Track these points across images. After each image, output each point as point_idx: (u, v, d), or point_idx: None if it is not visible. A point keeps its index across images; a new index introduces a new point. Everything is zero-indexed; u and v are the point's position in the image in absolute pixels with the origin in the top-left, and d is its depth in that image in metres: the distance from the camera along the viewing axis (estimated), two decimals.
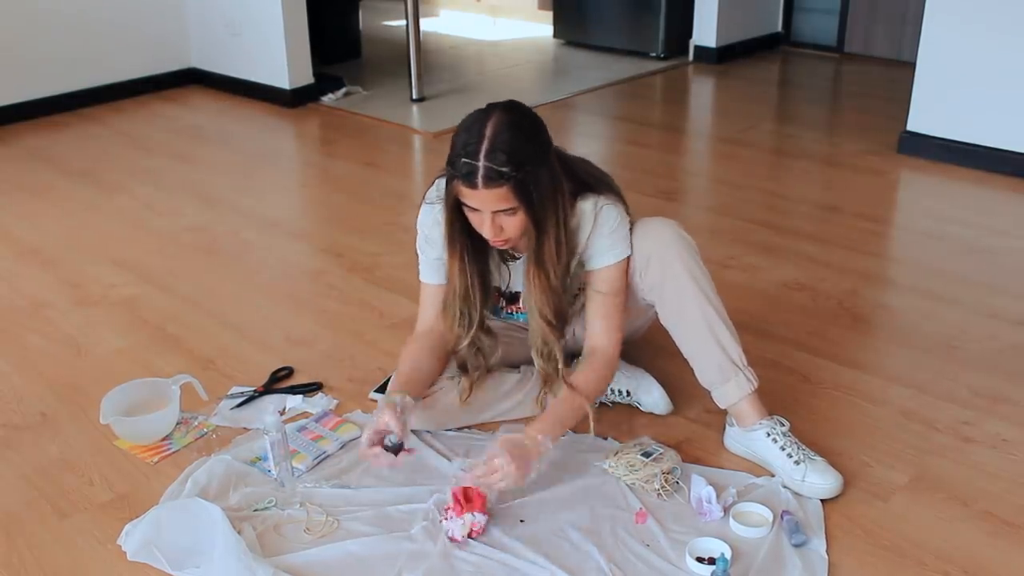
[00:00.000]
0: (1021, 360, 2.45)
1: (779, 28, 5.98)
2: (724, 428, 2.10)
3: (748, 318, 2.56)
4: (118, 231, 3.44)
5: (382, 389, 2.30)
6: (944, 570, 1.76)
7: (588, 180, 1.99)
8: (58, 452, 2.16)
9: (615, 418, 2.21)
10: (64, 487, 2.03)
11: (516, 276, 2.08)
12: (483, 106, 1.86)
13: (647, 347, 2.35)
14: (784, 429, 2.00)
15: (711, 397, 2.06)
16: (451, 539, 1.80)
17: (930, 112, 3.89)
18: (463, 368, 2.11)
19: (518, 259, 2.06)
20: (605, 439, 2.13)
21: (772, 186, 3.78)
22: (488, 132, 1.77)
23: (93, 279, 3.04)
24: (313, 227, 3.59)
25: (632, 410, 2.24)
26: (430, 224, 2.03)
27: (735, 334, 2.02)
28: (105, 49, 4.97)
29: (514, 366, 2.23)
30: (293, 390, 2.35)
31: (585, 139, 4.39)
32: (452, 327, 2.04)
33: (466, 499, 1.81)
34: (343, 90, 5.04)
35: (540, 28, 6.62)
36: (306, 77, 4.94)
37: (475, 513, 1.80)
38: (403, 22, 4.99)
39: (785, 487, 1.94)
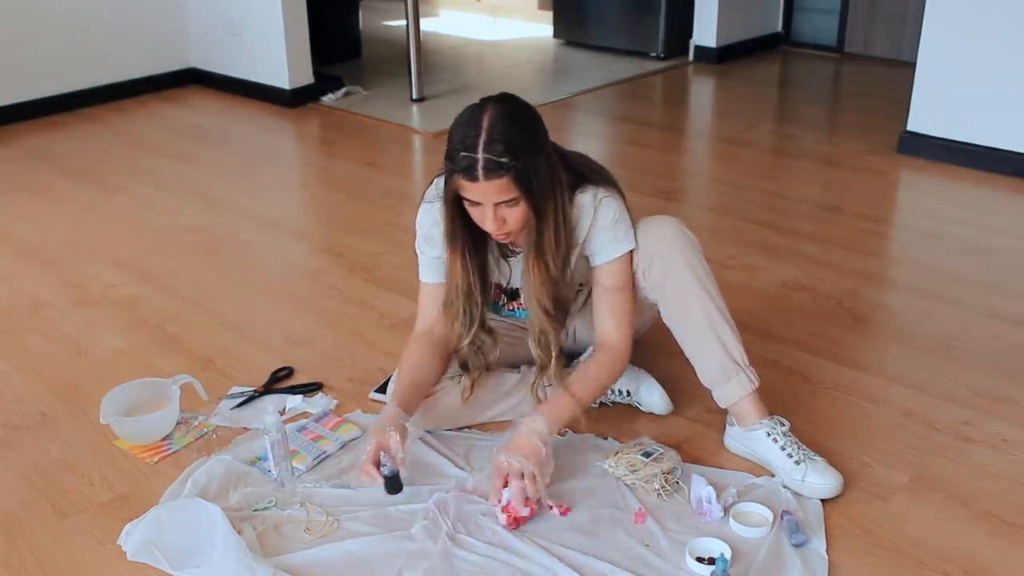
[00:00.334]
0: (1021, 360, 2.45)
1: (779, 28, 5.98)
2: (724, 428, 2.10)
3: (748, 318, 2.56)
4: (118, 231, 3.44)
5: (382, 389, 2.30)
6: (944, 570, 1.76)
7: (586, 172, 1.99)
8: (58, 452, 2.16)
9: (615, 418, 2.21)
10: (64, 487, 2.03)
11: (516, 271, 2.08)
12: (474, 103, 1.86)
13: (647, 347, 2.35)
14: (784, 429, 2.00)
15: (712, 396, 2.06)
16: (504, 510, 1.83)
17: (930, 112, 3.89)
18: (464, 367, 2.11)
19: (518, 254, 2.05)
20: (605, 439, 2.13)
21: (772, 186, 3.78)
22: (485, 124, 1.77)
23: (93, 279, 3.04)
24: (313, 227, 3.59)
25: (632, 410, 2.24)
26: (429, 223, 2.02)
27: (737, 333, 2.02)
28: (105, 49, 4.97)
29: (514, 366, 2.23)
30: (293, 390, 2.35)
31: (585, 139, 4.39)
32: (454, 325, 2.04)
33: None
34: (343, 90, 5.04)
35: (540, 28, 6.62)
36: (306, 77, 4.94)
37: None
38: (403, 22, 4.99)
39: (785, 487, 1.94)
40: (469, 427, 2.15)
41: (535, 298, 1.97)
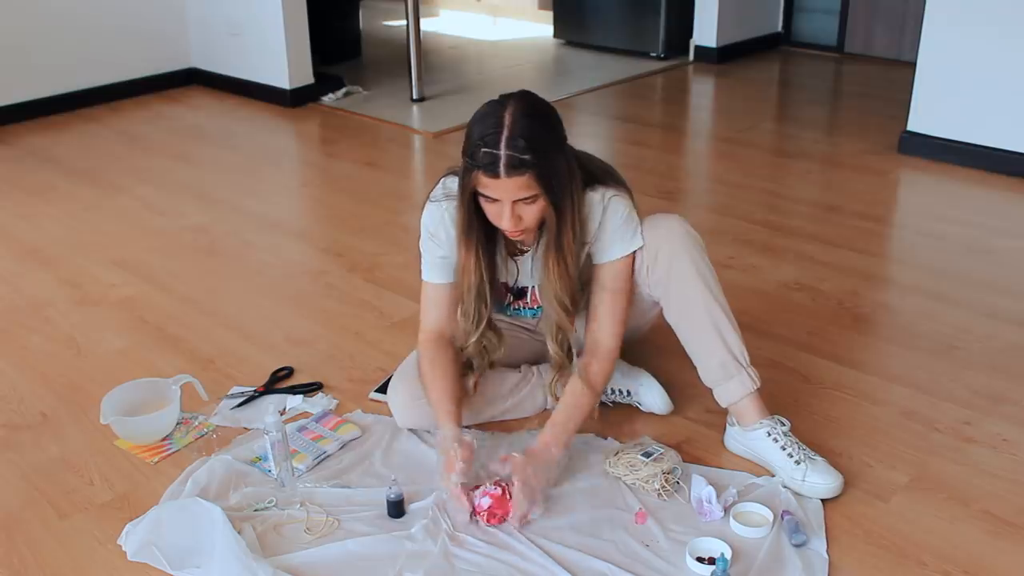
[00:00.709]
0: (1021, 360, 2.45)
1: (779, 28, 5.99)
2: (724, 428, 2.10)
3: (748, 318, 2.55)
4: (118, 231, 3.44)
5: (382, 389, 2.30)
6: (944, 570, 1.76)
7: (596, 172, 1.99)
8: (58, 452, 2.16)
9: (615, 418, 2.21)
10: (64, 487, 2.03)
11: (524, 271, 2.08)
12: (493, 100, 1.85)
13: (647, 347, 2.35)
14: (785, 429, 2.00)
15: (713, 395, 2.06)
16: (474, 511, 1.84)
17: (930, 112, 3.89)
18: (469, 365, 2.11)
19: (525, 253, 2.05)
20: (605, 439, 2.13)
21: (772, 186, 3.78)
22: (507, 120, 1.77)
23: (93, 279, 3.04)
24: (313, 227, 3.59)
25: (632, 410, 2.24)
26: (436, 222, 2.02)
27: (739, 333, 2.02)
28: (105, 49, 4.97)
29: (514, 366, 2.22)
30: (293, 390, 2.35)
31: (585, 139, 4.39)
32: (462, 323, 2.04)
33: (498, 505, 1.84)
34: (343, 90, 5.04)
35: (540, 28, 6.62)
36: (306, 77, 4.94)
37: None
38: (403, 22, 4.99)
39: (785, 487, 1.94)
40: (469, 427, 2.15)
41: (554, 296, 1.96)
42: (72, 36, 4.84)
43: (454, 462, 1.86)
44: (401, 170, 4.24)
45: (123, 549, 1.82)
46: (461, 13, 7.42)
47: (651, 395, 2.21)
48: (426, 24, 6.00)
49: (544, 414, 2.15)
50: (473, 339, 2.03)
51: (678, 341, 2.07)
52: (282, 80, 4.89)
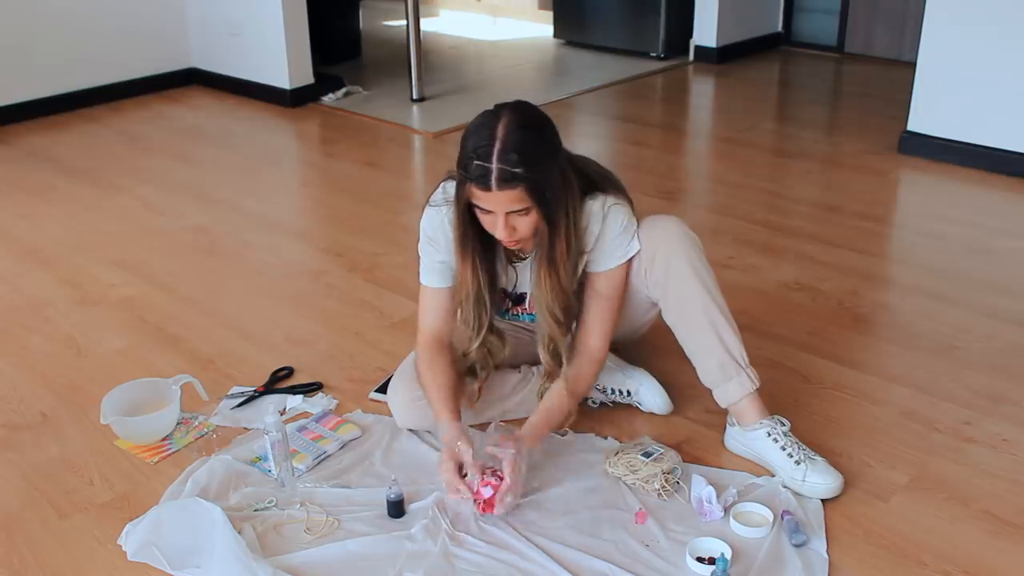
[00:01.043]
0: (1021, 360, 2.45)
1: (779, 28, 5.98)
2: (724, 428, 2.10)
3: (748, 318, 2.56)
4: (118, 231, 3.44)
5: (382, 389, 2.30)
6: (944, 570, 1.76)
7: (595, 179, 1.99)
8: (58, 452, 2.16)
9: (615, 418, 2.21)
10: (64, 487, 2.03)
11: (523, 277, 2.08)
12: (490, 107, 1.85)
13: (647, 347, 2.35)
14: (785, 429, 2.00)
15: (712, 396, 2.06)
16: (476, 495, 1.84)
17: (930, 112, 3.89)
18: (472, 372, 2.11)
19: (525, 259, 2.05)
20: (605, 439, 2.13)
21: (772, 186, 3.78)
22: (499, 133, 1.76)
23: (93, 279, 3.04)
24: (313, 227, 3.59)
25: (632, 410, 2.24)
26: (435, 227, 2.02)
27: (738, 333, 2.02)
28: (105, 49, 4.97)
29: (515, 366, 2.23)
30: (293, 390, 2.35)
31: (585, 139, 4.39)
32: (463, 331, 2.04)
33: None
34: (343, 90, 5.04)
35: (540, 28, 6.62)
36: (306, 77, 4.94)
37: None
38: (403, 22, 4.99)
39: (785, 487, 1.94)
40: (470, 427, 2.15)
41: (546, 307, 1.97)
42: (72, 36, 4.84)
43: (459, 457, 1.86)
44: (401, 170, 4.24)
45: (123, 549, 1.82)
46: (461, 13, 7.42)
47: (651, 395, 2.21)
48: (426, 24, 6.00)
49: None
50: (475, 345, 2.04)
51: (677, 341, 2.07)
52: (282, 80, 4.89)
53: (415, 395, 2.08)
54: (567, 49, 6.11)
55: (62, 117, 4.78)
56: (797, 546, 1.79)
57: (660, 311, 2.08)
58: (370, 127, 4.63)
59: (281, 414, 2.26)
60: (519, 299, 2.12)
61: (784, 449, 1.96)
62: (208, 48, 5.26)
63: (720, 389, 2.04)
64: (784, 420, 2.02)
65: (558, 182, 1.84)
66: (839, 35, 5.76)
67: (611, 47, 5.89)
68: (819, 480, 1.92)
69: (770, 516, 1.84)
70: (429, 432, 2.14)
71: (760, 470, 2.01)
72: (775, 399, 2.15)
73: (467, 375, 2.12)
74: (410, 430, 2.15)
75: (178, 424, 2.22)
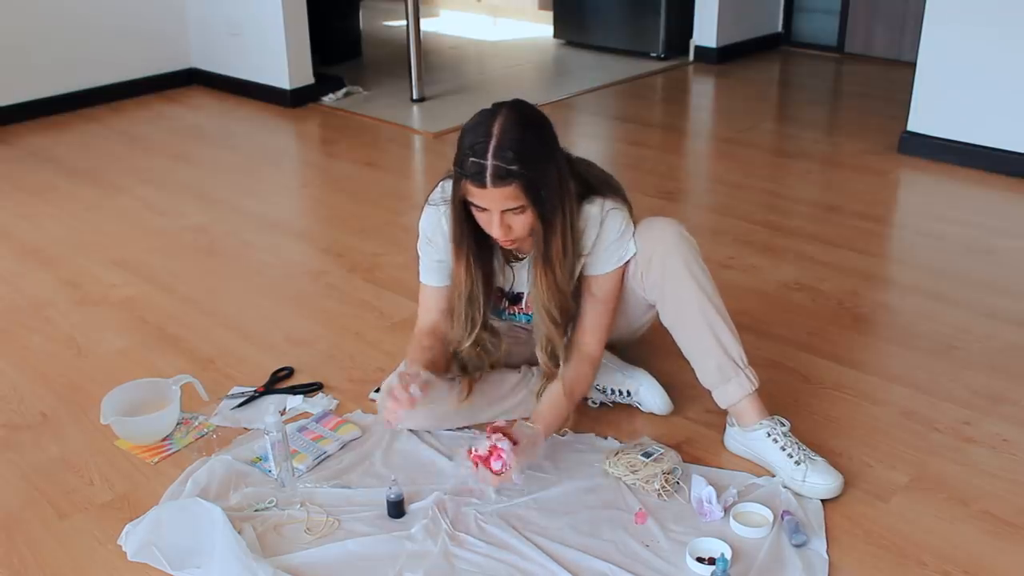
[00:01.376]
0: (1021, 360, 2.45)
1: (779, 28, 5.99)
2: (724, 428, 2.10)
3: (748, 318, 2.56)
4: (118, 231, 3.44)
5: None
6: (944, 570, 1.76)
7: (594, 182, 1.99)
8: (58, 452, 2.16)
9: (615, 418, 2.21)
10: (64, 487, 2.04)
11: (520, 277, 2.08)
12: (487, 106, 1.85)
13: (647, 347, 2.35)
14: (784, 429, 2.00)
15: (712, 397, 2.06)
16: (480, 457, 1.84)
17: (930, 112, 3.89)
18: (463, 369, 2.11)
19: (522, 259, 2.06)
20: (605, 439, 2.13)
21: (772, 186, 3.78)
22: (496, 130, 1.77)
23: (93, 279, 3.04)
24: (313, 227, 3.59)
25: (632, 410, 2.24)
26: (433, 227, 2.02)
27: (736, 334, 2.02)
28: (105, 49, 4.97)
29: (514, 366, 2.23)
30: (293, 390, 2.35)
31: (585, 139, 4.39)
32: (455, 328, 2.04)
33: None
34: (343, 90, 5.04)
35: (540, 28, 6.62)
36: (306, 77, 4.94)
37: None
38: (403, 22, 4.99)
39: (785, 487, 1.94)
40: (469, 427, 2.15)
41: (543, 307, 1.97)
42: (72, 36, 4.84)
43: (416, 375, 1.88)
44: (401, 170, 4.24)
45: (123, 549, 1.82)
46: (461, 13, 7.42)
47: (651, 395, 2.21)
48: (426, 24, 6.00)
49: None
50: (467, 344, 2.04)
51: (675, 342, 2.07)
52: (282, 80, 4.89)
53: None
54: (567, 49, 6.11)
55: (62, 117, 4.79)
56: (797, 546, 1.79)
57: (657, 313, 2.08)
58: (370, 127, 4.63)
59: (281, 414, 2.26)
60: (516, 299, 2.12)
61: (784, 449, 1.96)
62: (208, 48, 5.26)
63: (719, 390, 2.04)
64: (784, 420, 2.02)
65: (554, 181, 1.84)
66: (839, 35, 5.76)
67: (611, 47, 5.89)
68: (819, 480, 1.92)
69: (770, 516, 1.84)
70: (429, 432, 2.14)
71: (760, 470, 2.01)
72: (775, 399, 2.15)
73: (460, 371, 2.11)
74: (410, 430, 2.15)
75: (178, 424, 2.22)
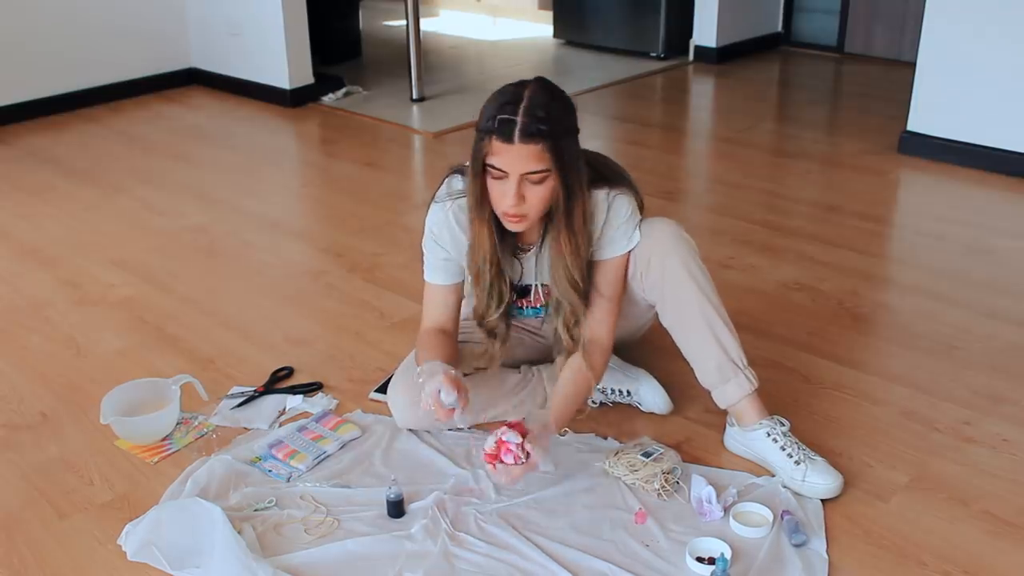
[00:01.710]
0: (1021, 360, 2.45)
1: (779, 28, 5.99)
2: (724, 428, 2.10)
3: (748, 318, 2.56)
4: (118, 231, 3.44)
5: (382, 389, 2.30)
6: (944, 570, 1.76)
7: (603, 171, 1.99)
8: (58, 452, 2.16)
9: (615, 418, 2.21)
10: (64, 487, 2.03)
11: (528, 268, 2.07)
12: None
13: (647, 347, 2.35)
14: (784, 429, 2.00)
15: (711, 397, 2.06)
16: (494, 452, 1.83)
17: (930, 112, 3.89)
18: (492, 335, 2.08)
19: (528, 251, 2.04)
20: (605, 439, 2.13)
21: (772, 186, 3.78)
22: (526, 94, 1.79)
23: (93, 279, 3.04)
24: (313, 227, 3.59)
25: (632, 410, 2.24)
26: (440, 224, 2.01)
27: (735, 334, 2.02)
28: (105, 49, 4.97)
29: (515, 366, 2.22)
30: (293, 390, 2.35)
31: (585, 139, 4.36)
32: (482, 297, 2.02)
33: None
34: (343, 90, 5.04)
35: (540, 28, 6.62)
36: (306, 77, 4.94)
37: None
38: (403, 22, 4.99)
39: (785, 487, 1.94)
40: (469, 427, 2.15)
41: (566, 275, 1.94)
42: (72, 36, 4.83)
43: (450, 376, 1.87)
44: (401, 170, 4.24)
45: (123, 549, 1.82)
46: (461, 13, 7.42)
47: (651, 395, 2.21)
48: (426, 24, 6.00)
49: None
50: (496, 315, 2.02)
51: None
52: (282, 80, 4.89)
53: (415, 395, 2.08)
54: (567, 49, 6.11)
55: (62, 117, 4.78)
56: (797, 546, 1.79)
57: (657, 314, 2.08)
58: (370, 127, 4.63)
59: (281, 414, 2.26)
60: (524, 291, 2.11)
61: (784, 449, 1.96)
62: (208, 48, 5.26)
63: (719, 391, 2.04)
64: (784, 420, 2.02)
65: (576, 154, 1.86)
66: (839, 35, 5.76)
67: (611, 47, 5.89)
68: (819, 480, 1.92)
69: (770, 516, 1.84)
70: (429, 432, 2.14)
71: (760, 470, 2.01)
72: (775, 399, 2.15)
73: (489, 337, 2.09)
74: (410, 430, 2.15)
75: (178, 424, 2.22)
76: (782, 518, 1.85)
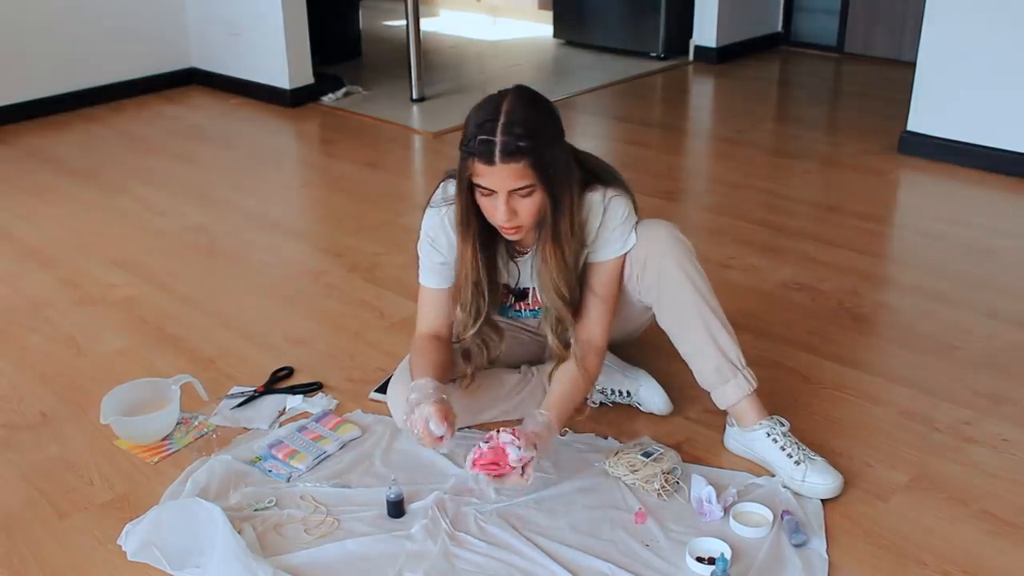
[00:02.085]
0: (1021, 360, 2.45)
1: (779, 28, 5.98)
2: (724, 428, 2.10)
3: (748, 318, 2.56)
4: (118, 231, 3.44)
5: (382, 389, 2.30)
6: (944, 570, 1.76)
7: (596, 171, 1.99)
8: (58, 452, 2.16)
9: (615, 418, 2.21)
10: (64, 487, 2.03)
11: (524, 272, 2.07)
12: (491, 93, 1.85)
13: (647, 347, 2.35)
14: (784, 429, 2.00)
15: (710, 398, 2.06)
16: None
17: (930, 112, 3.89)
18: (466, 357, 2.09)
19: (526, 254, 2.05)
20: (605, 439, 2.13)
21: (772, 186, 3.78)
22: (504, 109, 1.77)
23: (93, 279, 3.04)
24: (313, 227, 3.59)
25: (632, 410, 2.24)
26: (436, 228, 2.01)
27: (733, 335, 2.01)
28: (105, 49, 4.97)
29: (515, 366, 2.22)
30: (293, 390, 2.35)
31: (585, 139, 4.39)
32: (461, 316, 2.03)
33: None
34: (343, 90, 5.04)
35: (540, 28, 6.62)
36: (306, 77, 4.94)
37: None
38: (403, 22, 4.99)
39: (785, 487, 1.94)
40: (469, 427, 2.15)
41: (552, 286, 1.95)
42: (72, 36, 4.84)
43: (444, 406, 1.85)
44: (401, 170, 4.24)
45: (123, 549, 1.82)
46: (461, 13, 7.42)
47: (651, 395, 2.21)
48: (426, 24, 6.00)
49: None
50: (471, 332, 2.02)
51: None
52: (282, 80, 4.89)
53: None
54: (567, 49, 6.11)
55: (62, 117, 4.78)
56: (797, 546, 1.79)
57: (654, 315, 2.08)
58: (370, 127, 4.63)
59: (281, 414, 2.26)
60: (522, 295, 2.12)
61: (784, 449, 1.96)
62: (208, 48, 5.26)
63: (718, 391, 2.04)
64: (784, 420, 2.02)
65: (562, 161, 1.84)
66: (839, 35, 5.76)
67: (611, 47, 5.89)
68: (819, 480, 1.92)
69: (770, 516, 1.84)
70: None
71: (760, 470, 2.01)
72: (775, 399, 2.15)
73: (463, 360, 2.09)
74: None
75: (178, 424, 2.22)
76: (782, 518, 1.85)
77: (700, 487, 1.90)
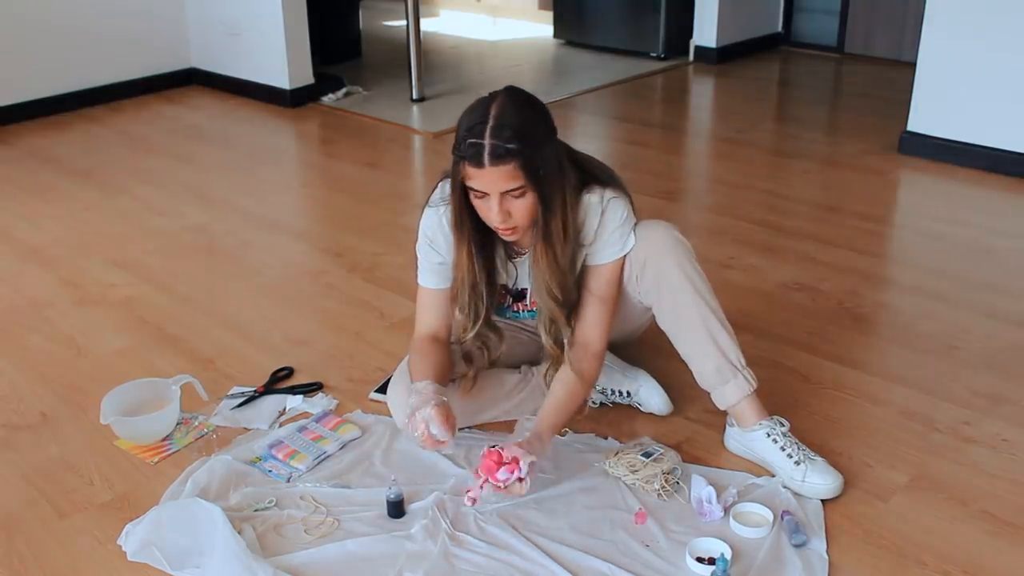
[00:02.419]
0: (1021, 360, 2.45)
1: (779, 28, 5.99)
2: (724, 428, 2.10)
3: (748, 318, 2.56)
4: (118, 231, 3.44)
5: (382, 389, 2.30)
6: (944, 570, 1.76)
7: (594, 172, 1.99)
8: (58, 452, 2.16)
9: (615, 418, 2.21)
10: (64, 487, 2.04)
11: (522, 272, 2.08)
12: (482, 96, 1.85)
13: (647, 347, 2.35)
14: (784, 429, 2.00)
15: (710, 398, 2.06)
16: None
17: (930, 112, 3.89)
18: (467, 359, 2.10)
19: (523, 255, 2.05)
20: (605, 439, 2.13)
21: (772, 186, 3.78)
22: (493, 111, 1.77)
23: (93, 279, 3.04)
24: (313, 227, 3.59)
25: (632, 410, 2.24)
26: (434, 228, 2.01)
27: (733, 335, 2.01)
28: (105, 49, 4.97)
29: (514, 366, 2.22)
30: (293, 390, 2.35)
31: (585, 139, 4.39)
32: (460, 318, 2.03)
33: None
34: (343, 90, 5.04)
35: (540, 28, 6.62)
36: (306, 77, 4.94)
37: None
38: (403, 22, 4.99)
39: (785, 487, 1.94)
40: (469, 427, 2.15)
41: (544, 286, 1.95)
42: (73, 36, 4.84)
43: (444, 409, 1.86)
44: (401, 170, 4.24)
45: (123, 549, 1.82)
46: (461, 13, 7.42)
47: (651, 395, 2.21)
48: (426, 24, 6.00)
49: None
50: (470, 335, 2.03)
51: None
52: (282, 80, 4.89)
53: None
54: (567, 49, 6.11)
55: (62, 117, 4.79)
56: (797, 546, 1.79)
57: (654, 315, 2.08)
58: (370, 127, 4.63)
59: (281, 414, 2.26)
60: (520, 295, 2.12)
61: (784, 450, 1.96)
62: (208, 48, 5.26)
63: (718, 392, 2.03)
64: (783, 420, 2.02)
65: (553, 162, 1.84)
66: (839, 35, 5.76)
67: (611, 47, 5.89)
68: (819, 480, 1.92)
69: (770, 516, 1.84)
70: None
71: (760, 470, 2.01)
72: (775, 399, 2.15)
73: (464, 362, 2.10)
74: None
75: (178, 424, 2.22)
76: (782, 518, 1.85)
77: (700, 487, 1.90)
